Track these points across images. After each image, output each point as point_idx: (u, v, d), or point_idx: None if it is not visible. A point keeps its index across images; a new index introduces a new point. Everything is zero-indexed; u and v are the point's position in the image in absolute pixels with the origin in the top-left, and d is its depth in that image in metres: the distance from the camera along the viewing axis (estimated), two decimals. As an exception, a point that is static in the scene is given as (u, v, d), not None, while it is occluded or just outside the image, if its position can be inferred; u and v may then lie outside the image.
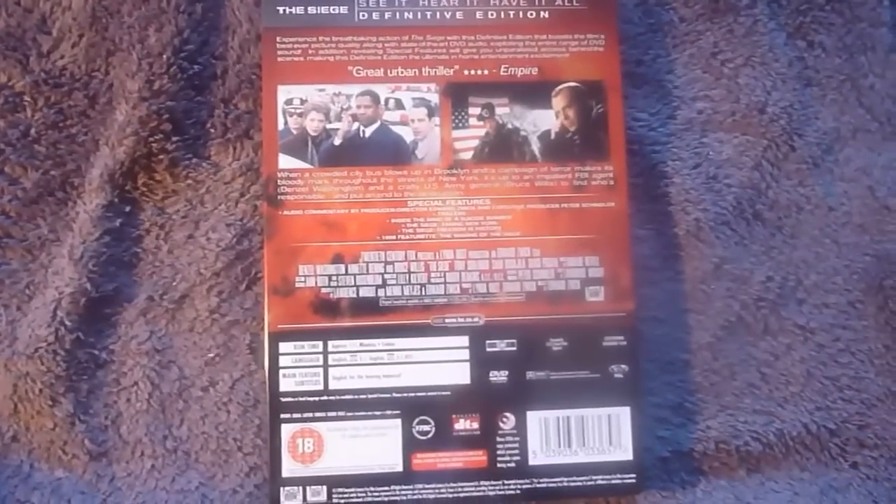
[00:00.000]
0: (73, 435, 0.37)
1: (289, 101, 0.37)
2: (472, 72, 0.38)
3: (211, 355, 0.38)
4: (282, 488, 0.35)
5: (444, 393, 0.36)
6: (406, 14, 0.38)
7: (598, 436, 0.37)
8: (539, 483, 0.36)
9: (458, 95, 0.38)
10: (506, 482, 0.36)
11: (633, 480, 0.37)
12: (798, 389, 0.40)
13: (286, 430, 0.36)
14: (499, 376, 0.37)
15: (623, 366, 0.37)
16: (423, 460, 0.36)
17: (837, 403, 0.40)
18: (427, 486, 0.36)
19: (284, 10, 0.38)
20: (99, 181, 0.38)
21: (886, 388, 0.40)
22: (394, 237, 0.37)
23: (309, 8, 0.38)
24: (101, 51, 0.39)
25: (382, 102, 0.38)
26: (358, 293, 0.37)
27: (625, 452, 0.37)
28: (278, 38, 0.38)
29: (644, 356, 0.39)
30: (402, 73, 0.38)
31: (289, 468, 0.36)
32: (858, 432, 0.40)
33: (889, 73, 0.42)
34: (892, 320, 0.41)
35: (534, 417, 0.37)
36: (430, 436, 0.36)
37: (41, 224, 0.39)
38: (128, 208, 0.39)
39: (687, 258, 0.40)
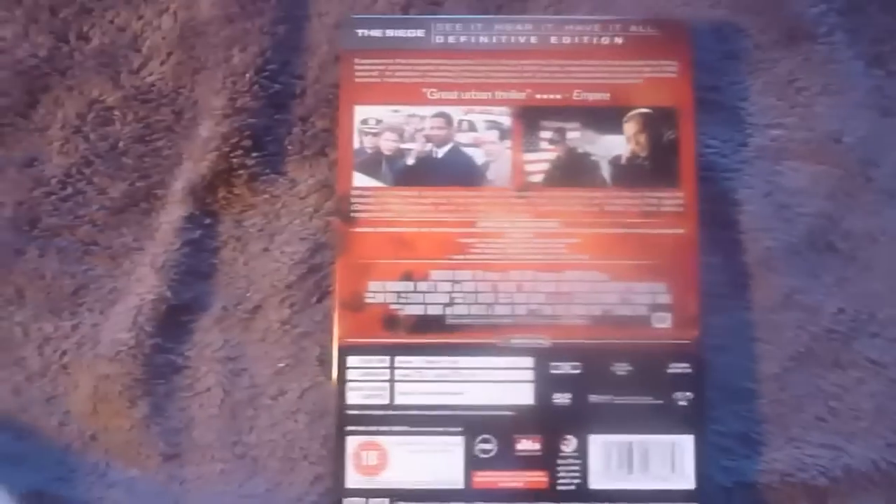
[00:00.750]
0: (148, 436, 0.39)
1: (364, 121, 0.38)
2: (545, 96, 0.39)
3: (281, 365, 0.39)
4: (345, 499, 0.36)
5: (507, 413, 0.37)
6: (481, 38, 0.39)
7: (661, 463, 0.37)
8: (599, 507, 0.37)
9: (529, 119, 0.39)
10: (566, 504, 0.37)
11: (695, 509, 0.37)
12: (868, 425, 0.39)
13: (351, 442, 0.37)
14: (562, 398, 0.37)
15: (688, 393, 0.37)
16: (484, 478, 0.37)
17: (908, 441, 0.39)
18: (487, 504, 0.36)
19: (363, 33, 0.39)
20: (181, 194, 0.40)
21: (960, 428, 0.39)
22: (462, 257, 0.38)
23: (386, 31, 0.39)
24: (188, 69, 0.41)
25: (455, 124, 0.39)
26: (426, 311, 0.37)
27: (687, 481, 0.37)
28: (356, 60, 0.39)
29: (710, 384, 0.38)
30: (475, 95, 0.39)
31: (353, 479, 0.36)
32: (930, 472, 0.39)
33: (970, 105, 0.41)
34: (967, 358, 0.40)
35: (596, 441, 0.37)
36: (491, 454, 0.37)
37: (126, 233, 0.40)
38: (207, 220, 0.40)
39: (756, 287, 0.40)
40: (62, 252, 0.40)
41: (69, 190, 0.40)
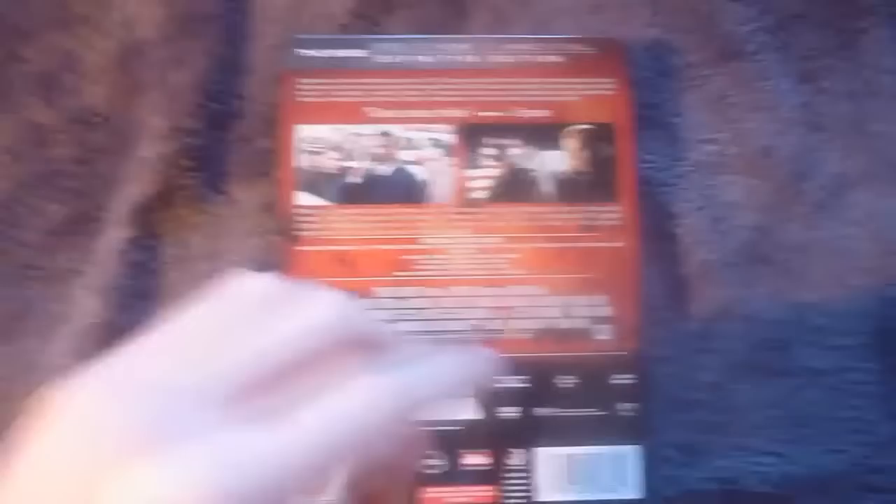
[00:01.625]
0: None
1: (307, 141, 0.38)
2: (486, 113, 0.39)
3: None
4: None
5: (453, 428, 0.37)
6: (422, 57, 0.40)
7: (606, 474, 0.37)
8: (546, 520, 0.37)
9: (471, 136, 0.39)
10: (513, 519, 0.37)
11: (641, 519, 0.37)
12: (807, 431, 0.40)
13: (297, 463, 0.36)
14: (508, 412, 0.37)
15: (631, 404, 0.38)
16: (432, 494, 0.37)
17: (847, 446, 0.40)
18: (435, 521, 0.36)
19: (304, 53, 0.39)
20: (122, 216, 0.39)
21: None
22: (406, 274, 0.38)
23: (327, 51, 0.39)
24: (127, 90, 0.41)
25: (398, 142, 0.39)
26: (370, 328, 0.37)
27: (632, 491, 0.37)
28: (297, 80, 0.39)
29: (652, 395, 0.39)
30: (417, 114, 0.39)
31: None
32: (870, 475, 0.40)
33: (895, 118, 0.43)
34: (900, 363, 0.41)
35: (542, 454, 0.37)
36: (439, 470, 0.37)
37: (65, 257, 0.40)
38: (150, 242, 0.40)
39: (695, 298, 0.41)
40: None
41: (5, 214, 0.40)
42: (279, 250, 0.38)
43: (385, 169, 0.39)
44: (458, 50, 0.40)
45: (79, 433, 0.18)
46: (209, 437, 0.19)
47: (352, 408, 0.20)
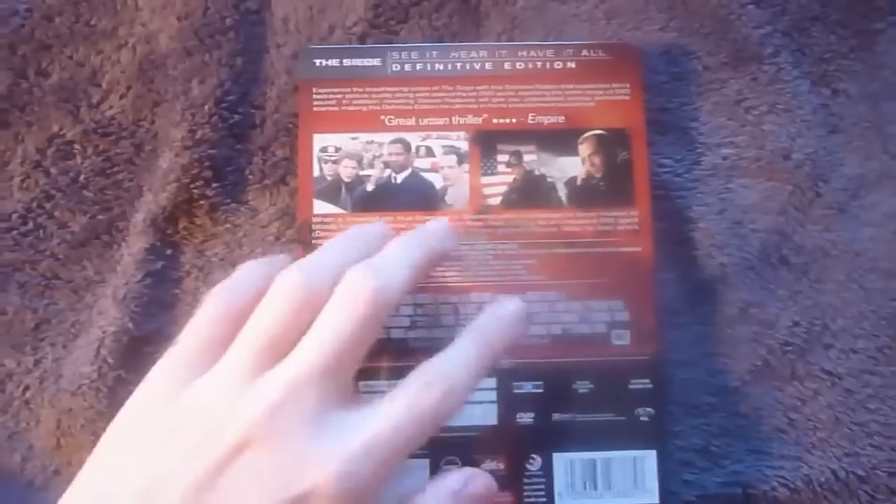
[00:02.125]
0: (112, 470, 0.38)
1: (324, 149, 0.39)
2: (501, 120, 0.40)
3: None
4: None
5: (471, 434, 0.37)
6: (437, 66, 0.40)
7: (624, 479, 0.37)
8: (565, 525, 0.37)
9: (486, 143, 0.39)
10: (531, 524, 0.37)
11: (659, 524, 0.37)
12: (826, 435, 0.40)
13: (317, 469, 0.37)
14: (525, 418, 0.37)
15: (649, 409, 0.38)
16: (450, 500, 0.37)
17: (867, 450, 0.40)
18: (453, 526, 0.36)
19: (320, 63, 0.40)
20: (142, 225, 0.40)
21: (916, 435, 0.40)
22: (422, 281, 0.38)
23: (344, 61, 0.40)
24: (147, 102, 0.41)
25: (413, 150, 0.39)
26: (388, 335, 0.38)
27: (650, 496, 0.37)
28: (314, 90, 0.39)
29: (670, 399, 0.39)
30: (432, 121, 0.39)
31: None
32: (888, 479, 0.39)
33: (913, 119, 0.43)
34: (920, 366, 0.41)
35: (560, 459, 0.37)
36: (457, 476, 0.37)
37: (87, 266, 0.40)
38: (169, 251, 0.40)
39: (712, 302, 0.41)
40: (23, 287, 0.40)
41: (30, 225, 0.40)
42: (298, 259, 0.38)
43: (401, 177, 0.39)
44: (472, 58, 0.40)
45: None
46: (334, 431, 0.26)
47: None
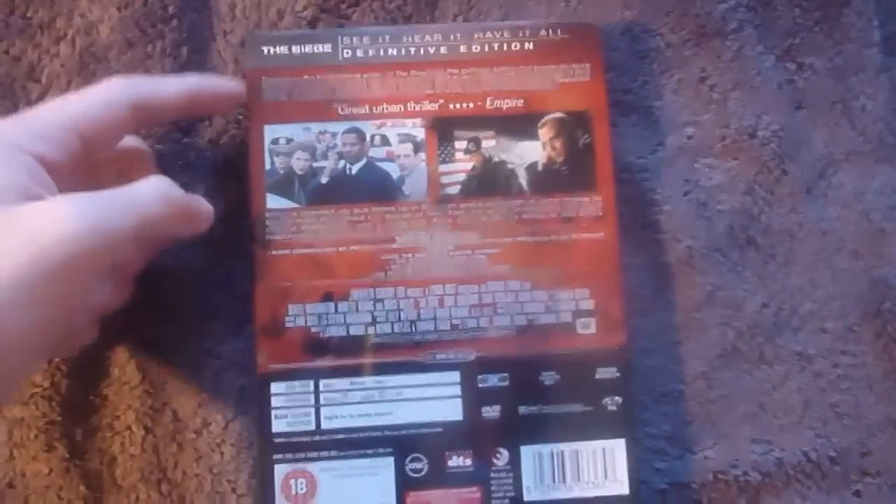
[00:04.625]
0: (68, 480, 0.37)
1: (275, 141, 0.37)
2: (458, 105, 0.38)
3: (204, 395, 0.38)
4: (275, 530, 0.35)
5: (436, 430, 0.36)
6: (389, 51, 0.38)
7: (594, 470, 0.36)
8: (534, 519, 0.36)
9: (443, 130, 0.38)
10: (500, 519, 0.36)
11: (630, 515, 0.36)
12: (796, 418, 0.39)
13: (279, 471, 0.36)
14: (491, 411, 0.37)
15: (617, 398, 0.37)
16: (416, 498, 0.36)
17: (838, 431, 0.39)
18: (420, 525, 0.36)
19: (269, 51, 0.38)
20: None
21: (887, 415, 0.40)
22: (383, 274, 0.37)
23: (292, 48, 0.38)
24: (90, 96, 0.39)
25: (368, 139, 0.38)
26: (348, 331, 0.37)
27: (621, 486, 0.36)
28: (263, 79, 0.38)
29: (638, 387, 0.38)
30: (386, 109, 0.38)
31: (282, 510, 0.36)
32: (860, 460, 0.39)
33: (880, 94, 0.42)
34: (889, 346, 0.40)
35: (528, 452, 0.36)
36: (423, 473, 0.36)
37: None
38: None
39: (679, 287, 0.40)
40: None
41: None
42: (251, 256, 0.37)
43: (356, 167, 0.38)
44: (426, 41, 0.39)
45: None
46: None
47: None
